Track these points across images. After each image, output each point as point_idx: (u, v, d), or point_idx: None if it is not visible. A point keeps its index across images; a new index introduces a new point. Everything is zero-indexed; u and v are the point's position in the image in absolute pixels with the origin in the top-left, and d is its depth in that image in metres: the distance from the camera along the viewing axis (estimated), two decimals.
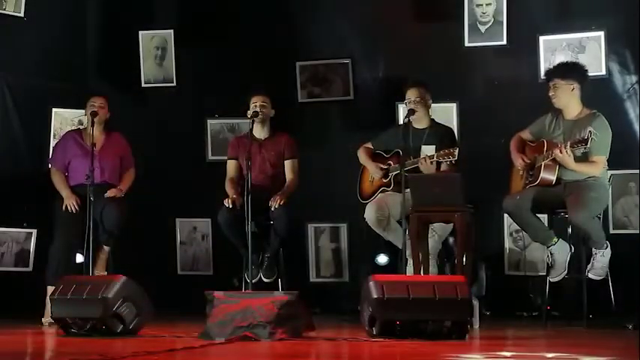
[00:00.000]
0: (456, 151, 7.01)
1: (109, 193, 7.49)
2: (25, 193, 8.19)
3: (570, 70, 6.97)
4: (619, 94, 7.84)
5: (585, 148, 6.61)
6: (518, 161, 7.03)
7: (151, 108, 9.05)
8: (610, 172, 7.05)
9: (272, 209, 7.37)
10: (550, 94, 6.94)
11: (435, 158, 7.09)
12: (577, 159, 6.72)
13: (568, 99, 6.92)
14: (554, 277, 6.92)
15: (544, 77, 7.21)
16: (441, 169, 7.19)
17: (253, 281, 7.15)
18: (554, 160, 6.76)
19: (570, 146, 6.63)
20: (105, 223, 7.40)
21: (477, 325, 6.64)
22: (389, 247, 7.59)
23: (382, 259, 7.97)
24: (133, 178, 7.78)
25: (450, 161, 7.05)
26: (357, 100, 8.69)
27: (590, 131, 6.64)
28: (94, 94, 7.83)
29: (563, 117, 6.96)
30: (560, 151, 6.66)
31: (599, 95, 7.46)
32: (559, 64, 7.18)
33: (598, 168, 6.79)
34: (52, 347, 5.90)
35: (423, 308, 5.73)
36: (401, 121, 7.79)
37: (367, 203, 7.49)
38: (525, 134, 7.16)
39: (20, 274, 8.23)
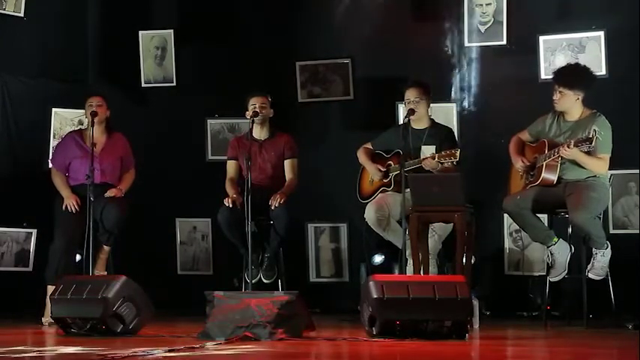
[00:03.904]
0: (458, 152, 7.00)
1: (109, 193, 7.48)
2: (25, 193, 8.18)
3: (579, 81, 6.86)
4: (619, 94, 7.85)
5: (590, 147, 6.59)
6: (519, 163, 7.02)
7: (151, 108, 9.05)
8: (610, 172, 7.04)
9: (272, 208, 7.37)
10: (553, 98, 6.91)
11: (437, 159, 7.08)
12: None
13: (571, 105, 6.89)
14: (555, 277, 6.91)
15: (551, 76, 7.13)
16: (442, 169, 7.18)
17: (253, 281, 7.15)
18: (556, 159, 6.74)
19: (575, 145, 6.62)
20: (105, 222, 7.39)
21: (477, 325, 6.64)
22: (389, 247, 7.59)
23: (377, 258, 7.97)
24: (133, 179, 7.77)
25: (452, 162, 7.04)
26: (357, 100, 8.69)
27: (594, 130, 6.63)
28: (92, 93, 7.82)
29: (564, 118, 6.95)
30: (566, 149, 6.64)
31: (599, 95, 7.45)
32: (568, 70, 7.00)
33: (605, 165, 6.78)
34: (52, 347, 5.89)
35: (423, 308, 5.73)
36: (401, 121, 7.78)
37: (367, 203, 7.49)
38: (524, 135, 7.14)
39: (20, 274, 8.23)
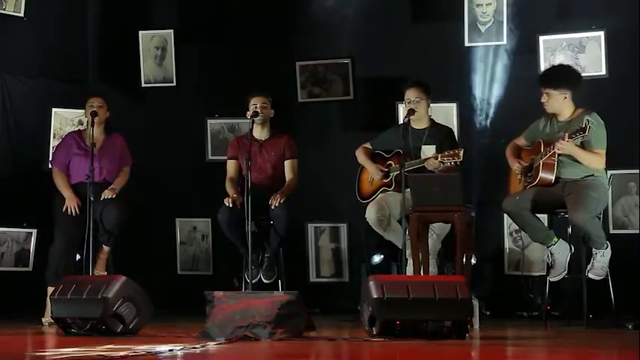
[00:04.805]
0: (461, 152, 6.98)
1: (104, 195, 7.45)
2: (25, 193, 8.19)
3: (563, 80, 6.89)
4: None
5: (584, 137, 6.59)
6: (515, 165, 7.02)
7: (151, 108, 9.05)
8: (610, 172, 7.04)
9: (272, 207, 7.37)
10: (542, 101, 6.93)
11: (439, 159, 7.07)
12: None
13: (560, 106, 6.90)
14: (554, 277, 6.91)
15: (538, 81, 7.17)
16: (443, 169, 7.17)
17: (253, 281, 7.15)
18: (553, 156, 6.74)
19: (569, 137, 6.62)
20: (105, 223, 7.39)
21: (477, 325, 6.64)
22: (389, 247, 7.59)
23: (376, 258, 7.98)
24: (127, 177, 7.74)
25: (455, 162, 7.03)
26: (357, 100, 8.70)
27: (587, 119, 6.64)
28: (93, 94, 7.83)
29: (557, 119, 6.96)
30: (561, 143, 6.64)
31: (599, 95, 7.45)
32: (551, 72, 7.08)
33: (601, 160, 6.76)
34: (52, 347, 5.90)
35: (423, 308, 5.73)
36: (401, 121, 7.78)
37: (367, 203, 7.49)
38: (520, 141, 7.15)
39: (20, 274, 8.23)
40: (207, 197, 8.02)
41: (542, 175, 6.80)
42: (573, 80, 6.93)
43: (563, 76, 6.94)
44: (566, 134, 6.65)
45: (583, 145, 6.70)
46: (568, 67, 7.16)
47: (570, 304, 7.20)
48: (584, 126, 6.57)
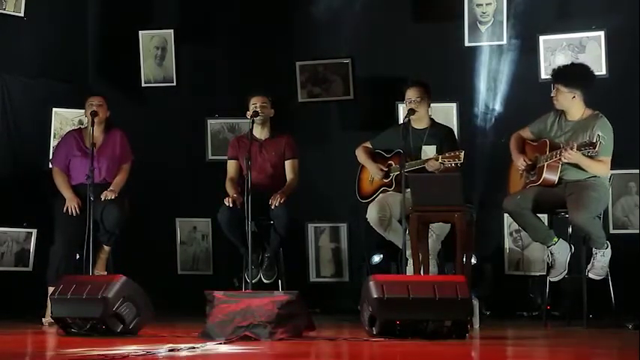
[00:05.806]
0: (462, 154, 6.97)
1: (103, 196, 7.43)
2: (25, 193, 8.19)
3: (574, 78, 6.88)
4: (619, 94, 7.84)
5: (593, 152, 6.60)
6: (520, 161, 7.01)
7: (151, 108, 9.05)
8: (610, 172, 7.04)
9: (272, 207, 7.37)
10: (552, 95, 6.93)
11: (440, 160, 7.06)
12: None
13: (569, 104, 6.90)
14: (555, 277, 6.91)
15: (550, 75, 7.16)
16: (443, 170, 7.16)
17: (253, 281, 7.15)
18: (558, 161, 6.73)
19: (577, 149, 6.61)
20: (105, 223, 7.39)
21: (477, 325, 6.64)
22: (389, 247, 7.59)
23: (376, 258, 7.98)
24: (127, 174, 7.67)
25: (456, 164, 7.02)
26: (357, 100, 8.69)
27: (598, 134, 6.64)
28: (93, 93, 7.82)
29: (565, 118, 6.95)
30: (569, 153, 6.62)
31: (599, 95, 7.45)
32: (565, 69, 7.05)
33: (606, 167, 6.78)
34: (52, 347, 5.90)
35: (423, 308, 5.73)
36: (401, 121, 7.78)
37: (367, 203, 7.49)
38: (526, 133, 7.14)
39: (20, 274, 8.22)
40: (207, 197, 8.02)
41: (546, 176, 6.79)
42: (584, 81, 6.91)
43: (574, 75, 6.92)
44: (575, 145, 6.63)
45: (590, 156, 6.69)
46: (584, 67, 7.11)
47: (570, 304, 7.20)
48: (594, 141, 6.56)
